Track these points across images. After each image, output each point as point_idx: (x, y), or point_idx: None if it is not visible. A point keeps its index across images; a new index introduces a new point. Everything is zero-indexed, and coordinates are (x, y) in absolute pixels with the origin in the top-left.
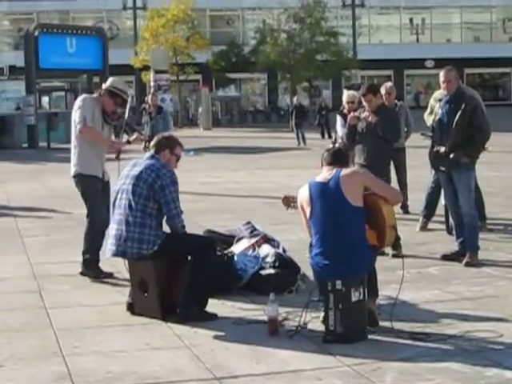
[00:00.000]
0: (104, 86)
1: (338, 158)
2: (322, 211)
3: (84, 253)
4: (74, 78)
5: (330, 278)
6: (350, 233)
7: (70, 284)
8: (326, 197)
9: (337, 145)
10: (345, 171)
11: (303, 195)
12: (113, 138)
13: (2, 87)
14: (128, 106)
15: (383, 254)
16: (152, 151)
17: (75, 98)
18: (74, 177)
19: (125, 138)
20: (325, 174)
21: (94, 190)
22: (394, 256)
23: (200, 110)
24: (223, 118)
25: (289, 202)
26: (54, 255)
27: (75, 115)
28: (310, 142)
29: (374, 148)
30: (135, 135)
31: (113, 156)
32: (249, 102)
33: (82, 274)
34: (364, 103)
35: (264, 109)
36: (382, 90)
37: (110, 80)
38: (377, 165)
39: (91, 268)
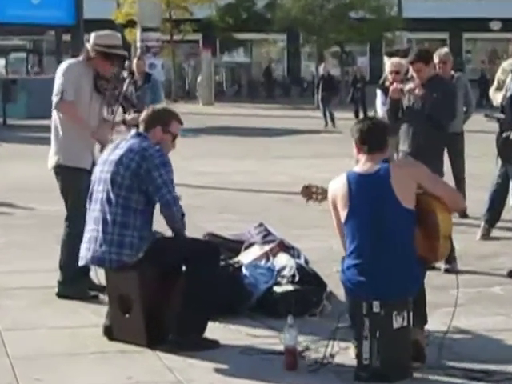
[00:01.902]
0: (89, 45)
1: (377, 139)
2: (363, 212)
3: (62, 267)
4: (39, 35)
5: (365, 298)
6: (396, 241)
7: (30, 299)
8: (370, 194)
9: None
10: (397, 163)
11: (338, 189)
12: (104, 113)
13: None
14: (125, 66)
15: (433, 268)
16: (140, 128)
17: (39, 60)
18: (54, 168)
19: (119, 116)
20: (367, 163)
21: (79, 186)
22: (446, 271)
23: (199, 79)
24: (229, 91)
25: (310, 192)
26: (9, 262)
27: (55, 86)
28: (341, 123)
29: (423, 132)
30: (132, 114)
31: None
32: (262, 70)
33: (59, 295)
34: (412, 73)
35: (282, 80)
36: (435, 58)
37: (96, 35)
38: (426, 154)
39: (72, 286)
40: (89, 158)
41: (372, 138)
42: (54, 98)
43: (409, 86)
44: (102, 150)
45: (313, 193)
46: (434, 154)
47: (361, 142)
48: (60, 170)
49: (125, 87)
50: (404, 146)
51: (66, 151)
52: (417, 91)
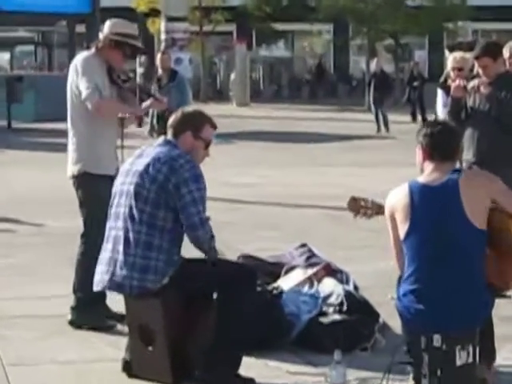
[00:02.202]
0: (102, 34)
1: (447, 145)
2: (426, 228)
3: (76, 290)
4: (49, 25)
5: (424, 330)
6: (463, 264)
7: (37, 330)
8: (436, 208)
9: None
10: (468, 174)
11: (399, 201)
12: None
13: None
14: (141, 61)
15: (503, 296)
16: (169, 134)
17: (49, 54)
18: (76, 177)
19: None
20: (434, 173)
21: (101, 196)
22: None
23: (233, 76)
24: (267, 90)
25: (358, 206)
26: (13, 287)
27: (78, 83)
28: (396, 127)
29: (490, 137)
30: (150, 100)
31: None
32: (305, 66)
33: (72, 323)
34: (477, 70)
35: (328, 77)
36: (505, 52)
37: (108, 24)
38: (493, 163)
39: (88, 312)
40: (114, 162)
41: (444, 144)
42: (88, 101)
43: (473, 83)
44: (140, 123)
45: (362, 207)
46: (504, 163)
47: (430, 147)
48: (82, 179)
49: (138, 80)
50: (468, 155)
51: (93, 157)
52: (482, 89)
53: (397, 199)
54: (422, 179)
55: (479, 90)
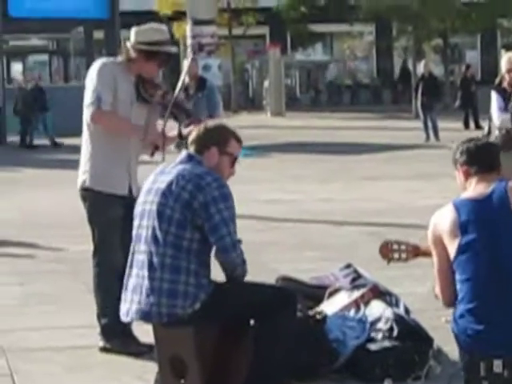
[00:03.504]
0: (130, 42)
1: (492, 157)
2: (480, 244)
3: (99, 315)
4: (64, 32)
5: (485, 356)
6: None
7: (58, 363)
8: (487, 221)
9: (491, 137)
10: None
11: (445, 221)
12: (159, 125)
13: None
14: (182, 77)
15: None
16: (191, 150)
17: (65, 63)
18: (81, 190)
19: (171, 128)
20: (478, 187)
21: (108, 217)
22: None
23: (266, 83)
24: (304, 97)
25: (389, 250)
26: (33, 317)
27: (86, 93)
28: (447, 134)
29: None
30: (190, 127)
31: (154, 159)
32: (345, 71)
33: (103, 349)
34: None
35: (371, 82)
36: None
37: (136, 31)
38: None
39: (114, 339)
40: (124, 182)
41: (484, 156)
42: (89, 108)
43: None
44: (153, 153)
45: (393, 250)
46: None
47: (470, 163)
48: (87, 194)
49: (177, 90)
50: None
51: (95, 172)
52: None
53: (441, 220)
54: (467, 195)
55: None
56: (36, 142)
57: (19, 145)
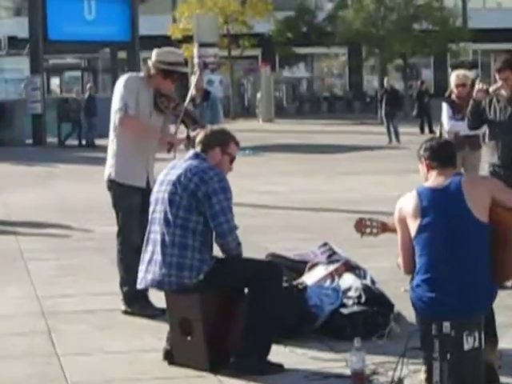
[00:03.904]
0: (151, 61)
1: (447, 155)
2: (436, 225)
3: (121, 284)
4: (94, 52)
5: (436, 318)
6: (470, 256)
7: (88, 323)
8: (443, 207)
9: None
10: (469, 176)
11: (408, 205)
12: (172, 129)
13: (0, 65)
14: (190, 91)
15: (504, 287)
16: (197, 149)
17: (94, 78)
18: (107, 182)
19: (181, 132)
20: (438, 178)
21: (128, 203)
22: None
23: (259, 95)
24: (289, 107)
25: (363, 225)
26: (67, 286)
27: (114, 102)
28: (406, 138)
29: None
30: (197, 130)
31: (168, 155)
32: (323, 85)
33: (125, 312)
34: (498, 82)
35: (344, 94)
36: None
37: (157, 53)
38: None
39: (134, 303)
40: (143, 176)
41: (443, 153)
42: (117, 114)
43: (495, 85)
44: (169, 149)
45: (366, 225)
46: None
47: (431, 158)
48: (112, 185)
49: (187, 102)
50: (493, 159)
51: (119, 167)
52: (503, 92)
53: (406, 203)
54: (428, 184)
55: (500, 91)
56: (68, 142)
57: (78, 145)
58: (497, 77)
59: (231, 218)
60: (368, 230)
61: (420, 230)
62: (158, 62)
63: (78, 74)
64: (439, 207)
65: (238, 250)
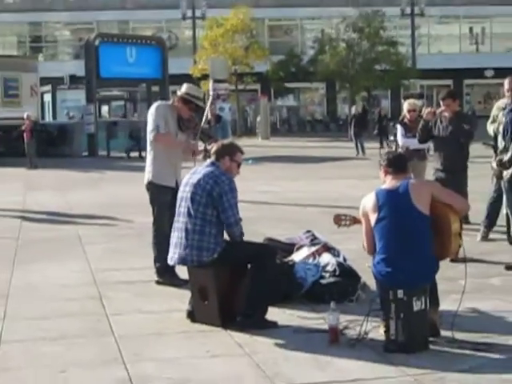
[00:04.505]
0: (178, 92)
1: (400, 164)
2: (390, 217)
3: (155, 261)
4: (134, 87)
5: (391, 287)
6: (415, 240)
7: (130, 291)
8: (395, 203)
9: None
10: (415, 180)
11: (369, 202)
12: (192, 143)
13: (63, 96)
14: (205, 114)
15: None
16: (212, 158)
17: (134, 107)
18: (146, 184)
19: (201, 145)
20: (392, 182)
21: (162, 200)
22: (451, 261)
23: (258, 119)
24: (281, 128)
25: (339, 219)
26: (114, 262)
27: (149, 123)
28: (369, 151)
29: (451, 153)
30: (212, 144)
31: (191, 164)
32: (307, 111)
33: (157, 282)
34: (442, 108)
35: (322, 118)
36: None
37: (183, 86)
38: (453, 169)
39: (165, 275)
40: (172, 178)
41: (398, 163)
42: (151, 133)
43: (440, 109)
44: (193, 154)
45: (342, 219)
46: (459, 168)
47: (388, 166)
48: (150, 186)
49: (203, 123)
50: (437, 165)
51: (155, 172)
52: (446, 114)
53: (368, 201)
54: (384, 186)
55: (444, 113)
56: (115, 154)
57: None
58: (441, 103)
59: (237, 212)
60: (343, 223)
61: (378, 221)
62: (184, 92)
63: (121, 103)
64: (392, 204)
65: (241, 237)
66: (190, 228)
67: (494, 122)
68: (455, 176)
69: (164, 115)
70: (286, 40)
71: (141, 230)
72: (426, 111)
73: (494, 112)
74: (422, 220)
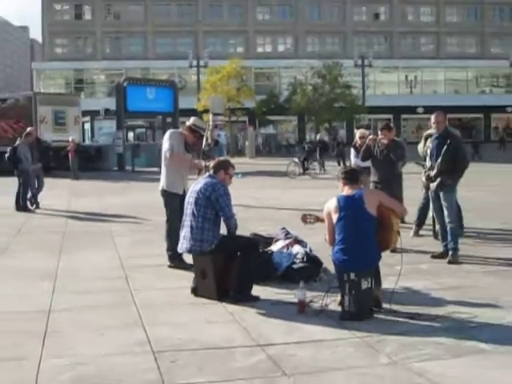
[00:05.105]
0: (187, 123)
1: (353, 176)
2: (347, 218)
3: (167, 249)
4: (153, 118)
5: (346, 271)
6: (365, 235)
7: (149, 273)
8: (351, 207)
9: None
10: (367, 190)
11: (332, 205)
12: (197, 161)
13: (100, 124)
14: (204, 139)
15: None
16: (211, 171)
17: (153, 133)
18: (161, 191)
19: (201, 162)
20: (348, 190)
21: (173, 203)
22: (392, 252)
23: (246, 143)
24: (264, 150)
25: (305, 218)
26: (137, 251)
27: (164, 145)
28: (329, 168)
29: (386, 169)
30: (210, 162)
31: (195, 176)
32: (283, 137)
33: (169, 266)
34: (380, 136)
35: (295, 143)
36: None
37: (191, 119)
38: (388, 182)
39: (175, 261)
40: (181, 187)
41: (352, 176)
42: (167, 152)
43: (379, 137)
44: (199, 173)
45: (307, 218)
46: (392, 181)
47: (345, 178)
48: (163, 193)
49: (204, 146)
50: (375, 178)
51: (168, 182)
52: (383, 141)
53: (331, 204)
54: (343, 193)
55: (382, 141)
56: (138, 169)
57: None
58: (379, 133)
59: (231, 209)
60: (308, 221)
61: (338, 220)
62: (191, 123)
63: (143, 130)
64: (349, 207)
65: (235, 229)
66: (194, 225)
67: (424, 145)
68: (388, 186)
69: (176, 139)
70: (267, 84)
71: (157, 226)
72: (369, 138)
73: (423, 138)
74: (370, 220)
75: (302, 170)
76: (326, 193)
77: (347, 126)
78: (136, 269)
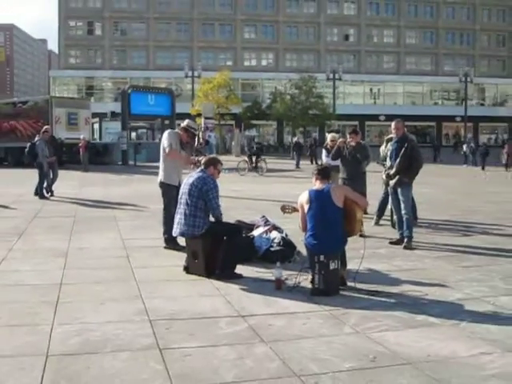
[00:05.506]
0: (182, 124)
1: (325, 173)
2: (317, 208)
3: (164, 233)
4: (152, 121)
5: (316, 254)
6: (333, 223)
7: (147, 252)
8: (321, 199)
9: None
10: (334, 185)
11: (304, 198)
12: (190, 157)
13: (106, 125)
14: (196, 138)
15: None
16: (202, 167)
17: (153, 133)
18: (159, 183)
19: (194, 158)
20: (319, 185)
21: (170, 193)
22: (360, 236)
23: (233, 143)
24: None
25: (284, 208)
26: (137, 234)
27: (164, 142)
28: (303, 166)
29: (352, 167)
30: (202, 158)
31: (188, 170)
32: (265, 139)
33: (165, 247)
34: (349, 139)
35: (274, 144)
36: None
37: (185, 121)
38: (354, 179)
39: (170, 243)
40: (176, 179)
41: (323, 173)
42: (167, 149)
43: (348, 140)
44: (193, 167)
45: (286, 208)
46: (358, 177)
47: (318, 174)
48: (161, 184)
49: (196, 144)
50: (343, 175)
51: (165, 174)
52: (353, 143)
53: (303, 196)
54: (314, 188)
55: (351, 143)
56: (140, 163)
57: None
58: (348, 136)
59: (218, 201)
60: (287, 211)
61: (309, 210)
62: (186, 124)
63: (144, 131)
64: (318, 199)
65: (221, 217)
66: (188, 213)
67: (385, 147)
68: (354, 182)
69: (173, 138)
70: (252, 93)
71: (155, 213)
72: (339, 141)
73: (385, 142)
74: (337, 211)
75: (251, 167)
76: (300, 187)
77: (319, 130)
78: (136, 249)
